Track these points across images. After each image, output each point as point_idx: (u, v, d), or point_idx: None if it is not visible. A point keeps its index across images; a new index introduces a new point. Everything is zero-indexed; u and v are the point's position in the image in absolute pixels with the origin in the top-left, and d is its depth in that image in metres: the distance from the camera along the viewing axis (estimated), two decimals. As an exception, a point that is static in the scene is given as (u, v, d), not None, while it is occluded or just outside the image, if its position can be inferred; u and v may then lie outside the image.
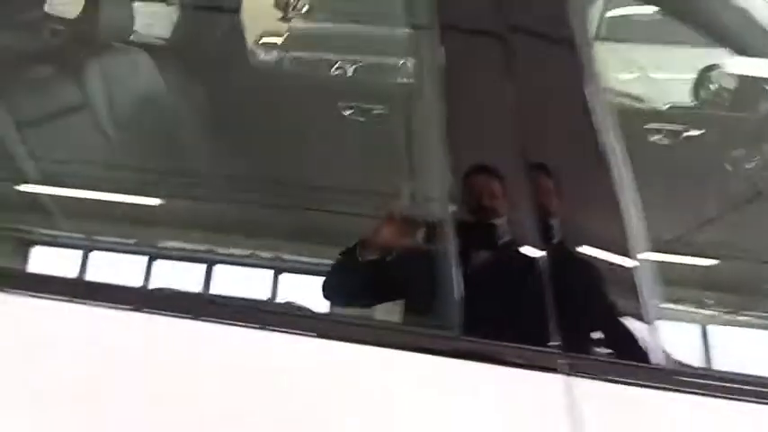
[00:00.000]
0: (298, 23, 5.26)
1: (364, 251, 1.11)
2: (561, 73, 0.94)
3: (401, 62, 4.40)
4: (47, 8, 1.93)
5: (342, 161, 1.57)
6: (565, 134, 0.93)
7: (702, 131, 2.07)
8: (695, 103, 2.37)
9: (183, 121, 1.88)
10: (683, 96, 2.70)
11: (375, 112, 2.02)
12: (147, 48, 1.94)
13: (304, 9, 5.49)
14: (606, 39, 3.05)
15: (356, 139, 1.94)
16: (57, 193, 1.45)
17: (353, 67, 4.18)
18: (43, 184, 1.49)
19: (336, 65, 4.15)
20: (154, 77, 1.89)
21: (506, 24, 0.95)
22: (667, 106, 2.81)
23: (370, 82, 3.79)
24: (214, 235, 1.38)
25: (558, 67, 0.94)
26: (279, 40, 4.66)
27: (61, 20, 1.83)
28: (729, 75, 2.20)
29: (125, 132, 1.72)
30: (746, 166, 1.63)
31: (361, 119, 2.06)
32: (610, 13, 3.74)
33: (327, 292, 1.12)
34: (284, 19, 5.34)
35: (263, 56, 4.08)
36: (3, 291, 1.00)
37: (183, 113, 1.90)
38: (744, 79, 2.08)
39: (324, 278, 1.14)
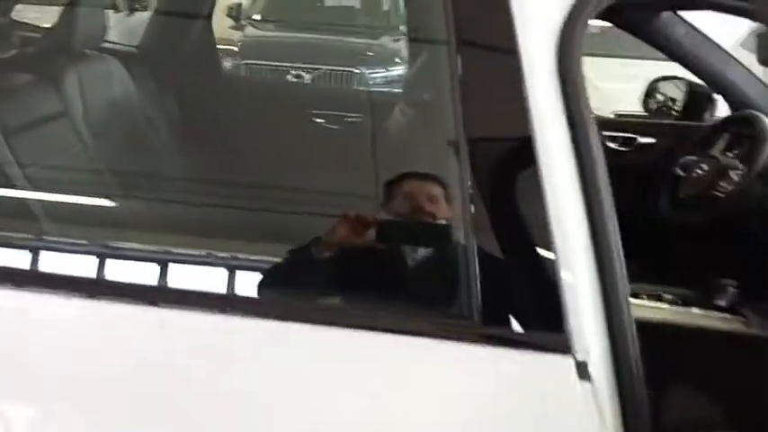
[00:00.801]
0: (251, 31, 5.29)
1: (321, 248, 1.16)
2: None
3: (359, 71, 4.50)
4: (15, 15, 1.92)
5: (308, 165, 1.61)
6: None
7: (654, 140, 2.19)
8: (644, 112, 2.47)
9: (153, 126, 1.89)
10: (629, 106, 2.82)
11: (347, 119, 2.08)
12: (118, 54, 1.95)
13: (256, 17, 5.51)
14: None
15: (324, 144, 1.98)
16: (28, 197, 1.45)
17: (311, 75, 4.24)
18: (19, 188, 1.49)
19: (294, 72, 4.21)
20: (125, 84, 1.90)
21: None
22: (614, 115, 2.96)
23: (336, 89, 3.86)
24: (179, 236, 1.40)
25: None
26: (234, 48, 4.69)
27: (35, 27, 1.83)
28: (676, 85, 2.33)
29: (100, 138, 1.73)
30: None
31: (332, 126, 2.10)
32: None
33: (272, 288, 1.16)
34: (236, 27, 5.36)
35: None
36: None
37: (154, 119, 1.91)
38: (691, 89, 2.22)
39: (264, 275, 1.18)
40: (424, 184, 1.18)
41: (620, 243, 0.96)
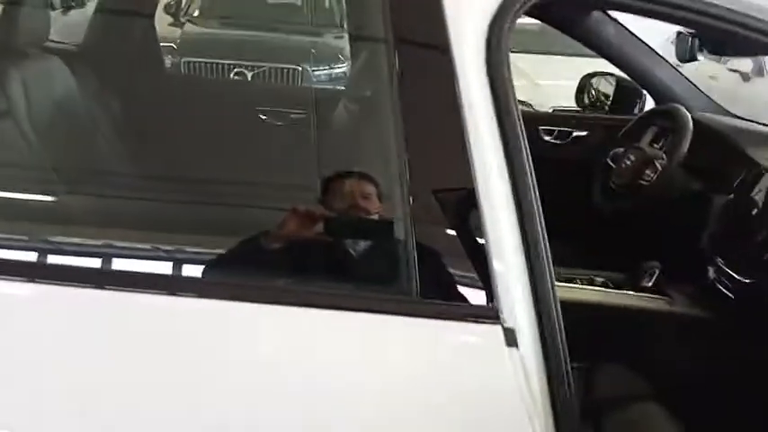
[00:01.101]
0: (189, 28, 5.24)
1: (270, 240, 1.21)
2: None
3: (299, 68, 4.52)
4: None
5: (253, 160, 1.64)
6: None
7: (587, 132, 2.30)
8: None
9: (98, 124, 1.89)
10: (567, 102, 2.92)
11: (292, 115, 2.11)
12: (60, 53, 1.94)
13: (195, 13, 5.47)
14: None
15: (268, 140, 2.01)
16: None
17: (252, 72, 4.25)
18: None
19: (236, 70, 4.20)
20: (67, 82, 1.89)
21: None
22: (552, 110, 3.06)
23: (279, 86, 3.88)
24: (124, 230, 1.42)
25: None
26: (172, 45, 4.64)
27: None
28: (607, 81, 2.44)
29: (43, 136, 1.72)
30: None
31: (275, 122, 2.13)
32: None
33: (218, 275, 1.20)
34: (175, 24, 5.30)
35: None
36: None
37: (98, 118, 1.91)
38: (620, 85, 2.33)
39: (211, 263, 1.22)
40: (359, 182, 1.26)
41: (544, 226, 1.04)
